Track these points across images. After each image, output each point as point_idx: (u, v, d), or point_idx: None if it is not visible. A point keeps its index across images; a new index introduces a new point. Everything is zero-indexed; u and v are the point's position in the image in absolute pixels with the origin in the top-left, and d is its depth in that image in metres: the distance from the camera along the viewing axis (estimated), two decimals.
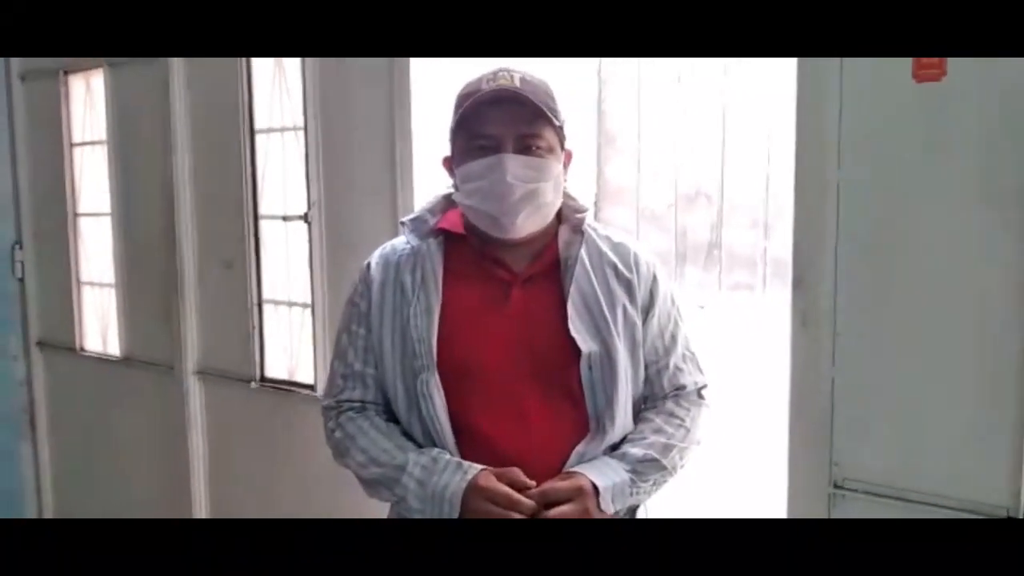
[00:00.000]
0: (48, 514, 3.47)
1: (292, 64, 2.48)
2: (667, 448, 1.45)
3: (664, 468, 1.45)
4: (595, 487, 1.37)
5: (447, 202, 1.52)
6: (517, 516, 1.33)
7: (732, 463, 3.48)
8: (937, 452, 1.55)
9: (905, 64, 1.52)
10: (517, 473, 1.36)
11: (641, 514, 1.53)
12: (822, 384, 1.65)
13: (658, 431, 1.47)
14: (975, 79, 1.47)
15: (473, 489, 1.34)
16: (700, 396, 1.57)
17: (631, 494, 1.41)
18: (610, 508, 1.38)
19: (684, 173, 10.18)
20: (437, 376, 1.39)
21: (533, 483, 1.35)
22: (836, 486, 1.65)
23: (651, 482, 1.44)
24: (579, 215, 1.49)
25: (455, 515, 1.34)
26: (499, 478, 1.35)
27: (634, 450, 1.44)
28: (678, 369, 1.54)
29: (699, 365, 1.59)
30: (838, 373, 1.64)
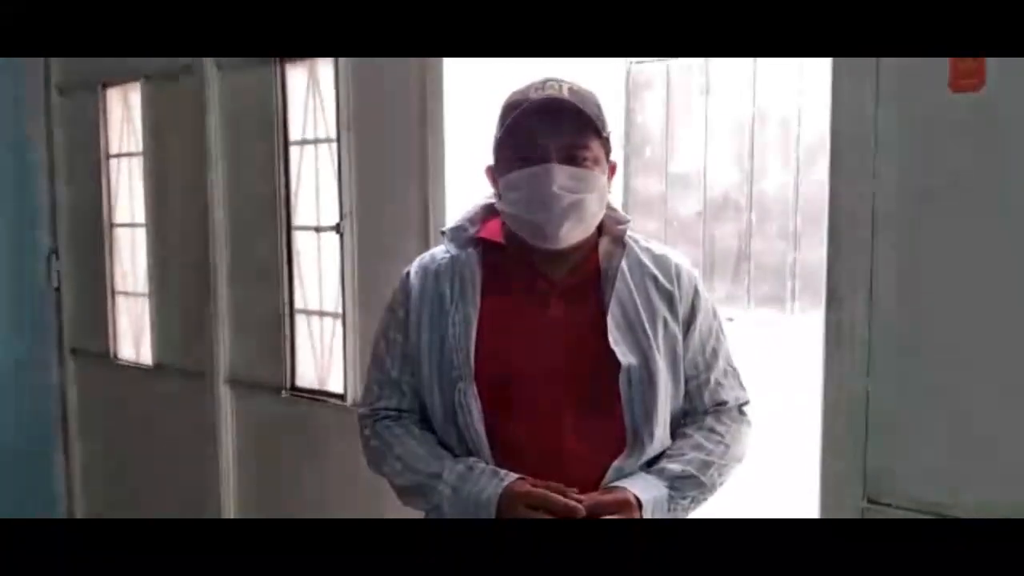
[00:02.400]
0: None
1: (326, 76, 2.50)
2: (706, 465, 1.43)
3: (703, 485, 1.42)
4: (638, 501, 1.35)
5: (487, 211, 1.51)
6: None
7: (763, 477, 3.45)
8: (976, 467, 1.53)
9: (942, 71, 1.50)
10: (557, 485, 1.34)
11: None
12: (856, 397, 1.63)
13: (697, 447, 1.44)
14: (1013, 87, 1.46)
15: (509, 494, 1.32)
16: (741, 412, 1.54)
17: (669, 510, 1.39)
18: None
19: (712, 183, 10.14)
20: (475, 386, 1.38)
21: (575, 489, 1.33)
22: (870, 501, 1.63)
23: (689, 499, 1.42)
24: (620, 226, 1.48)
25: (485, 517, 1.33)
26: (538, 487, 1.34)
27: (672, 466, 1.41)
28: (719, 384, 1.51)
29: (741, 381, 1.55)
30: (872, 386, 1.62)
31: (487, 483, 1.34)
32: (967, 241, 1.52)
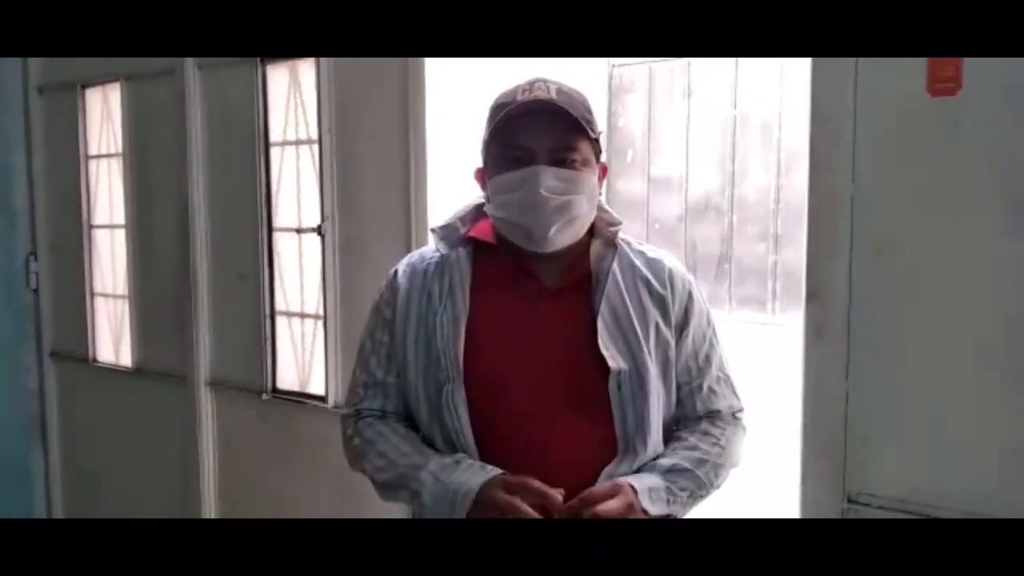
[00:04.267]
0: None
1: (307, 78, 2.50)
2: (700, 462, 1.41)
3: (698, 479, 1.40)
4: (633, 488, 1.33)
5: (478, 211, 1.48)
6: (535, 514, 1.27)
7: (744, 478, 3.47)
8: (954, 465, 1.54)
9: (920, 74, 1.52)
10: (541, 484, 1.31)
11: None
12: (836, 397, 1.64)
13: (691, 448, 1.42)
14: (989, 90, 1.48)
15: (492, 482, 1.30)
16: (735, 418, 1.51)
17: (668, 501, 1.36)
18: (651, 508, 1.34)
19: (694, 185, 10.18)
20: (463, 388, 1.36)
21: (561, 491, 1.30)
22: (850, 500, 1.64)
23: (687, 492, 1.39)
24: (612, 228, 1.45)
25: (468, 505, 1.30)
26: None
27: (663, 460, 1.40)
28: (712, 392, 1.48)
29: (734, 388, 1.52)
30: (852, 386, 1.63)
31: (472, 475, 1.32)
32: (945, 242, 1.53)
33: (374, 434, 1.44)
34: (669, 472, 1.39)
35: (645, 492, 1.33)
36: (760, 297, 9.90)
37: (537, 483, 1.29)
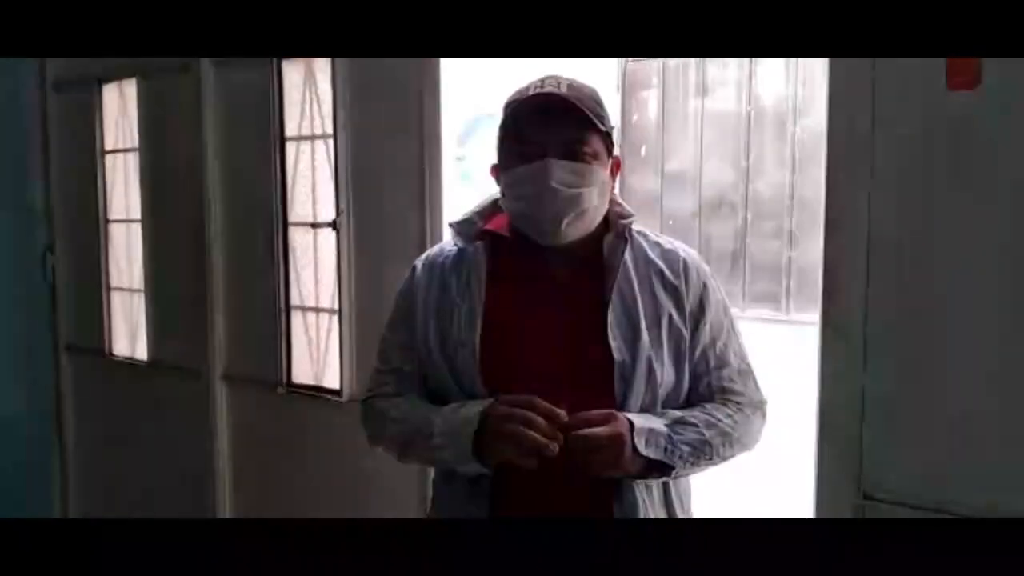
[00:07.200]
0: (72, 517, 3.50)
1: (322, 72, 2.50)
2: (710, 424, 1.40)
3: (704, 439, 1.38)
4: (631, 423, 1.32)
5: (495, 206, 1.51)
6: (535, 435, 1.26)
7: (758, 474, 3.46)
8: (970, 462, 1.54)
9: (939, 70, 1.51)
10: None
11: (675, 504, 1.46)
12: (852, 393, 1.64)
13: (705, 412, 1.42)
14: (1009, 86, 1.46)
15: (495, 402, 1.32)
16: (756, 408, 1.50)
17: (666, 449, 1.35)
18: (644, 449, 1.32)
19: (708, 182, 10.16)
20: (480, 378, 1.38)
21: (563, 413, 1.29)
22: (865, 496, 1.64)
23: (689, 448, 1.37)
24: (624, 221, 1.47)
25: (471, 430, 1.31)
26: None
27: (674, 412, 1.39)
28: (732, 382, 1.47)
29: (756, 381, 1.51)
30: (868, 382, 1.62)
31: (477, 405, 1.34)
32: (963, 239, 1.52)
33: (388, 404, 1.48)
34: (676, 423, 1.38)
35: (642, 432, 1.32)
36: (775, 294, 9.87)
37: (541, 401, 1.29)
